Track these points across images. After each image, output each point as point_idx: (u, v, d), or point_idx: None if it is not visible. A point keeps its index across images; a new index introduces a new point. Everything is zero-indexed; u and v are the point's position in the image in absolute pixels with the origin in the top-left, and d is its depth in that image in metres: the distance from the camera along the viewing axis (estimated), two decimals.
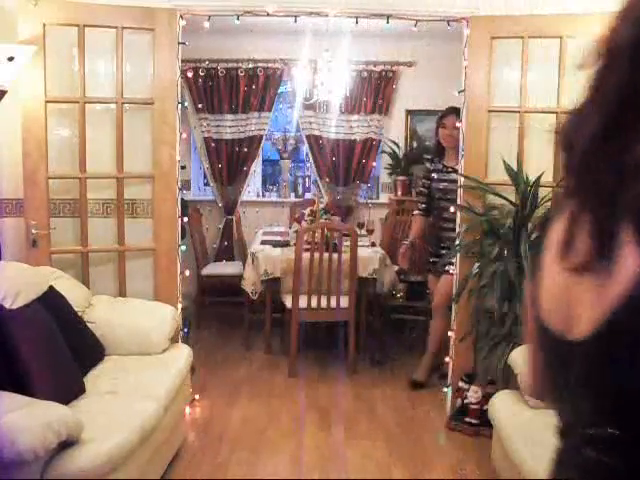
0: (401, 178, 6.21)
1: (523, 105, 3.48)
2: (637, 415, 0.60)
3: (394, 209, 5.71)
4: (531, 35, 3.41)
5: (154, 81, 3.50)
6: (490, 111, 3.51)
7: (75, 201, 3.54)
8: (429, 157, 4.17)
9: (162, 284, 3.61)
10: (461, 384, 3.58)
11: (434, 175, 4.06)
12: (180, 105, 3.55)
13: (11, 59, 3.03)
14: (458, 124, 3.67)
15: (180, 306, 3.67)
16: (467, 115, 3.53)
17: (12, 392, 2.18)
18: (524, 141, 3.50)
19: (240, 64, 5.99)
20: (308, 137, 6.21)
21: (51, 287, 2.98)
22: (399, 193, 6.23)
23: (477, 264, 3.39)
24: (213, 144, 6.13)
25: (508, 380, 3.23)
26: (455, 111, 3.81)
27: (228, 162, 6.15)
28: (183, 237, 3.82)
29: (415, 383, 4.14)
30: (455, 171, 3.86)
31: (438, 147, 4.10)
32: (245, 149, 6.14)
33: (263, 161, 6.64)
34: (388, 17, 3.56)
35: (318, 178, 6.23)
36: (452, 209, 3.74)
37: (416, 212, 4.24)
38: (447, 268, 3.84)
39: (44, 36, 3.30)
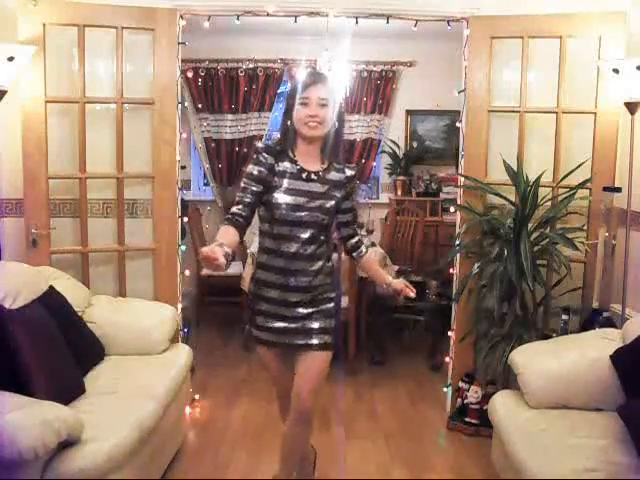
0: (401, 178, 6.22)
1: (523, 105, 3.48)
2: None
3: (394, 209, 5.72)
4: (531, 35, 3.41)
5: (154, 81, 3.49)
6: (490, 111, 3.51)
7: (75, 201, 3.54)
8: (264, 146, 2.39)
9: (162, 284, 3.61)
10: (461, 384, 3.58)
11: (277, 180, 2.35)
12: (180, 105, 3.55)
13: (11, 59, 3.03)
14: (324, 97, 2.31)
15: (180, 306, 3.67)
16: (467, 115, 3.53)
17: (12, 392, 2.18)
18: (524, 141, 3.50)
19: (240, 64, 6.00)
20: None
21: (51, 287, 2.98)
22: (399, 193, 6.24)
23: (477, 264, 3.39)
24: (213, 144, 6.13)
25: (508, 380, 3.24)
26: (322, 78, 2.38)
27: (228, 162, 6.16)
28: (183, 237, 3.82)
29: None
30: (320, 179, 2.38)
31: (288, 137, 2.40)
32: (245, 149, 6.14)
33: None
34: (388, 17, 3.56)
35: None
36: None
37: (225, 221, 2.32)
38: (318, 340, 2.42)
39: (44, 36, 3.30)
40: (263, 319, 2.45)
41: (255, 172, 2.35)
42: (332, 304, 2.48)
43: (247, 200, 2.34)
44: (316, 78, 2.37)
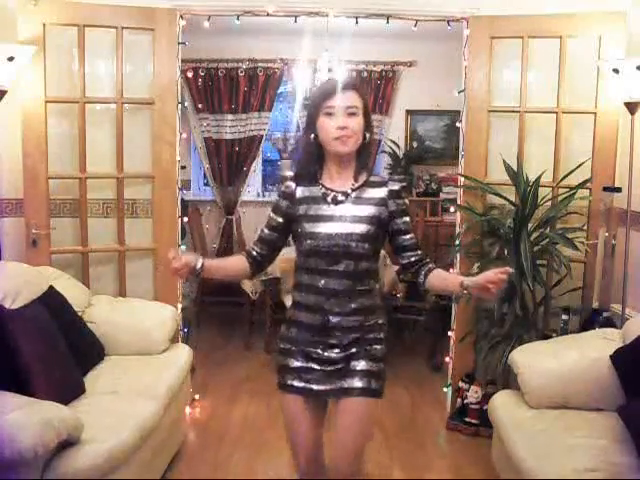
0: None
1: (523, 105, 3.48)
2: None
3: None
4: (531, 35, 3.41)
5: (154, 81, 3.50)
6: (490, 111, 3.51)
7: (75, 201, 3.54)
8: (290, 174, 2.10)
9: (162, 284, 3.61)
10: (461, 384, 3.58)
11: (301, 208, 2.05)
12: (180, 105, 3.55)
13: (11, 59, 3.03)
14: (354, 104, 1.98)
15: (180, 306, 3.67)
16: (467, 115, 3.53)
17: (12, 392, 2.18)
18: (524, 141, 3.50)
19: (240, 64, 6.00)
20: None
21: (51, 287, 2.98)
22: None
23: (477, 264, 3.39)
24: (213, 144, 6.13)
25: (508, 380, 3.23)
26: (350, 83, 2.04)
27: (228, 162, 6.15)
28: (183, 237, 3.82)
29: None
30: (352, 200, 2.03)
31: (312, 157, 2.07)
32: (245, 149, 6.14)
33: (263, 161, 6.64)
34: (388, 17, 3.56)
35: None
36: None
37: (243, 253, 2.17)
38: (361, 384, 2.01)
39: (44, 36, 3.30)
40: (295, 362, 2.06)
41: (277, 204, 2.10)
42: (381, 346, 2.07)
43: (264, 235, 2.12)
44: (342, 84, 2.01)
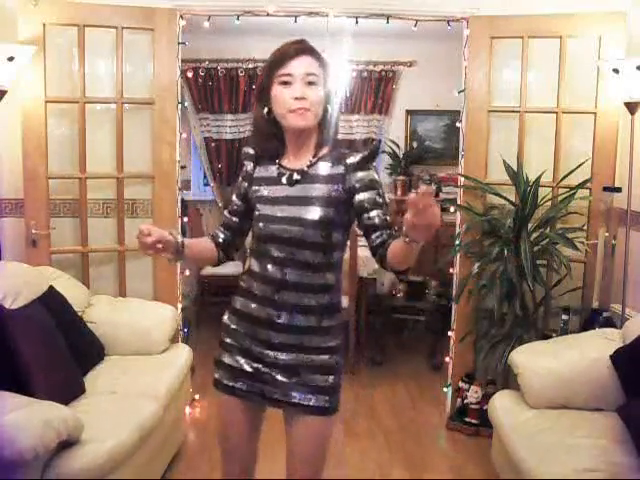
0: (401, 178, 6.22)
1: (523, 105, 3.48)
2: None
3: (394, 209, 5.71)
4: (531, 35, 3.41)
5: (154, 81, 3.49)
6: (490, 111, 3.51)
7: (75, 201, 3.53)
8: (251, 151, 1.88)
9: (162, 284, 3.61)
10: (461, 384, 3.58)
11: (258, 189, 1.83)
12: (180, 105, 3.55)
13: (11, 59, 3.03)
14: (315, 72, 1.72)
15: (180, 306, 3.67)
16: (467, 115, 3.53)
17: (12, 392, 2.18)
18: (524, 141, 3.50)
19: (240, 64, 5.99)
20: None
21: (51, 287, 2.98)
22: (399, 193, 6.24)
23: (477, 264, 3.39)
24: (213, 144, 6.13)
25: (508, 380, 3.24)
26: (308, 48, 1.75)
27: (228, 162, 6.15)
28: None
29: None
30: (306, 178, 1.77)
31: (267, 132, 1.81)
32: None
33: None
34: (388, 17, 3.56)
35: None
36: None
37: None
38: (308, 401, 1.78)
39: (44, 36, 3.30)
40: (229, 357, 1.84)
41: (238, 186, 1.89)
42: (332, 355, 1.79)
43: (227, 220, 1.92)
44: (300, 47, 1.72)
